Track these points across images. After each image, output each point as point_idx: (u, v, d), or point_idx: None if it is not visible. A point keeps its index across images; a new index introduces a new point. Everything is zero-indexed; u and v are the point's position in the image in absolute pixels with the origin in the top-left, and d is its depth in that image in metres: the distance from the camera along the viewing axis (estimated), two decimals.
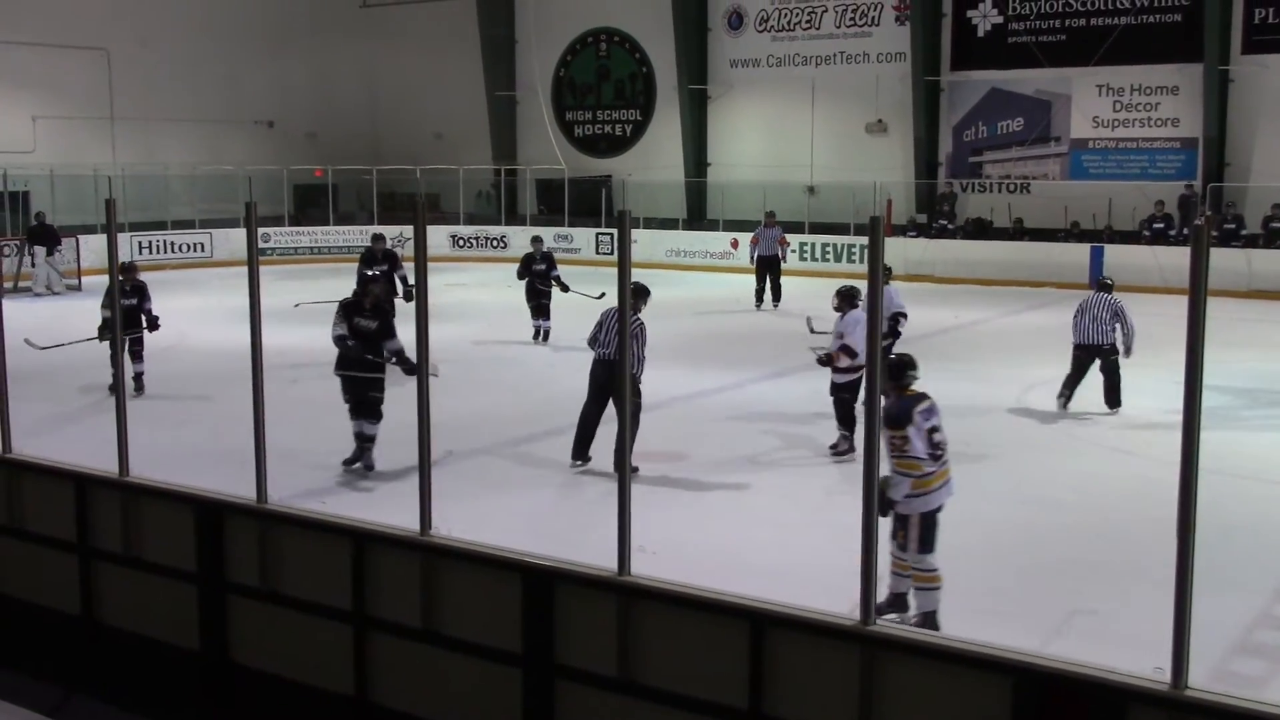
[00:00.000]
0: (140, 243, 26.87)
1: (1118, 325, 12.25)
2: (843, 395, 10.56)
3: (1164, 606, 4.39)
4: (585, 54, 32.56)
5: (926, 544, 6.71)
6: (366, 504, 8.95)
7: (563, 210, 30.59)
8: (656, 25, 30.45)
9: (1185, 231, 22.91)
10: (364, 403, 9.86)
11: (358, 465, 9.99)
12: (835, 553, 6.16)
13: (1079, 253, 24.00)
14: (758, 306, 21.05)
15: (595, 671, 5.59)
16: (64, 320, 15.25)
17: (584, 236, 29.21)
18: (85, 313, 13.62)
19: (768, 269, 21.22)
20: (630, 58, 31.86)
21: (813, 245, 26.49)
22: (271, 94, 32.49)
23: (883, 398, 6.10)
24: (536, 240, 17.84)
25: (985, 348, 17.13)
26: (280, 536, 6.67)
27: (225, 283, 22.75)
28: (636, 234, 25.16)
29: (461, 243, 30.45)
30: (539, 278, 17.03)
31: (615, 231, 6.41)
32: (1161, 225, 23.83)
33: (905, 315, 12.64)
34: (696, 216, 30.10)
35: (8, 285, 20.27)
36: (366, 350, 9.82)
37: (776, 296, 21.11)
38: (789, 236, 22.76)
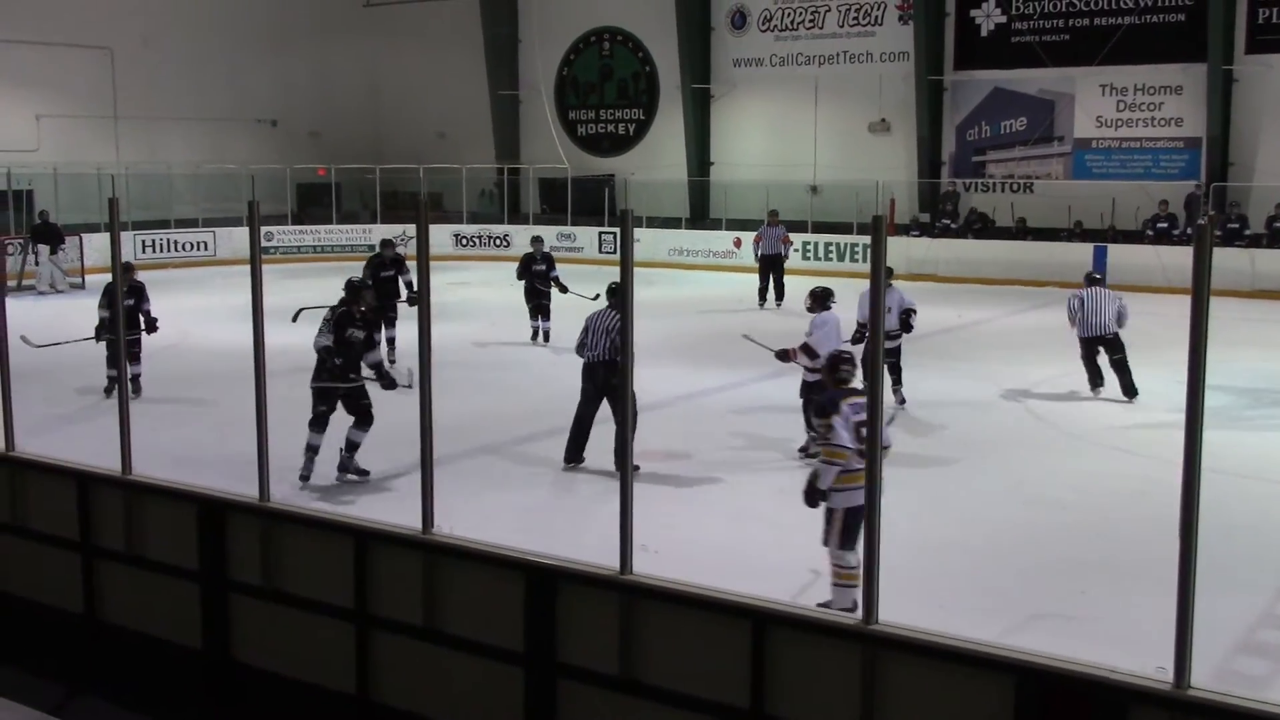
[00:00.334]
0: (143, 241, 26.93)
1: (1116, 310, 12.52)
2: (813, 396, 10.51)
3: (1166, 606, 4.38)
4: (588, 53, 32.56)
5: (848, 541, 6.66)
6: (368, 502, 8.98)
7: (565, 209, 30.61)
8: (659, 24, 30.45)
9: (1189, 231, 22.89)
10: (359, 412, 9.68)
11: (350, 476, 9.80)
12: None
13: (1082, 252, 23.91)
14: (761, 305, 21.07)
15: (597, 670, 5.58)
16: (65, 319, 15.24)
17: (587, 236, 29.21)
18: (87, 312, 13.61)
19: (771, 268, 21.29)
20: (633, 57, 31.86)
21: (816, 244, 26.48)
22: (275, 93, 32.50)
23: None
24: (536, 240, 17.79)
25: (988, 347, 17.12)
26: (282, 535, 6.68)
27: (228, 281, 22.80)
28: (639, 233, 25.15)
29: (464, 242, 30.47)
30: (538, 278, 17.00)
31: (618, 231, 6.40)
32: (1165, 225, 23.80)
33: (915, 310, 12.64)
34: (699, 216, 30.12)
35: (11, 284, 20.31)
36: (348, 365, 9.62)
37: (780, 295, 21.11)
38: (792, 236, 22.82)
